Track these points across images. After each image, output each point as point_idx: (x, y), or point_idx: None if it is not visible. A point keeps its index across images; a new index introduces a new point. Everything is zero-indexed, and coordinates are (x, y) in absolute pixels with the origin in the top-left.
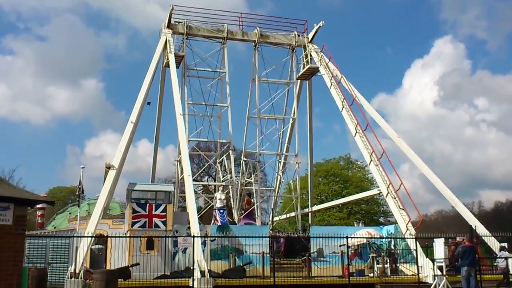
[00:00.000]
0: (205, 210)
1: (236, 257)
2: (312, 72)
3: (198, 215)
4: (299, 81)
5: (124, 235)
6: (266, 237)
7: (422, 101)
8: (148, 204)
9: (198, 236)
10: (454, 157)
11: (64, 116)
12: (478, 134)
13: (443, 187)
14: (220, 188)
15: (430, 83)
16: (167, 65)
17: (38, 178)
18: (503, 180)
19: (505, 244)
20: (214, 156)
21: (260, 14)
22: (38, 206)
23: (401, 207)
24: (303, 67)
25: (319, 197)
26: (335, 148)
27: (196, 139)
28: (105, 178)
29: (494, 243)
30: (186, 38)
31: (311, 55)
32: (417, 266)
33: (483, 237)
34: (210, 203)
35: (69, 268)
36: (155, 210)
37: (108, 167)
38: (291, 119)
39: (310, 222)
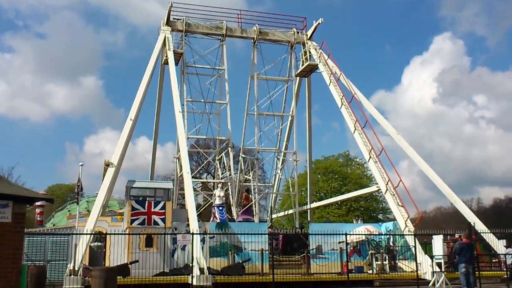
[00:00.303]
0: (204, 207)
1: (235, 254)
2: (311, 69)
3: (197, 212)
4: (298, 78)
5: (123, 232)
6: (265, 234)
7: (421, 98)
8: (147, 202)
9: (197, 233)
10: (453, 154)
11: (63, 113)
12: (477, 131)
13: (442, 184)
14: (219, 185)
15: (429, 80)
16: (166, 62)
17: (37, 176)
18: (502, 177)
19: (503, 241)
20: (213, 153)
21: (259, 11)
22: (37, 203)
23: (400, 204)
24: (302, 64)
25: (318, 194)
26: (334, 145)
27: (195, 136)
28: (104, 176)
29: (492, 240)
30: (185, 35)
31: (310, 52)
32: (416, 263)
33: (481, 234)
34: (209, 200)
35: (68, 266)
36: (154, 207)
37: (107, 165)
38: (290, 116)
39: (309, 219)
